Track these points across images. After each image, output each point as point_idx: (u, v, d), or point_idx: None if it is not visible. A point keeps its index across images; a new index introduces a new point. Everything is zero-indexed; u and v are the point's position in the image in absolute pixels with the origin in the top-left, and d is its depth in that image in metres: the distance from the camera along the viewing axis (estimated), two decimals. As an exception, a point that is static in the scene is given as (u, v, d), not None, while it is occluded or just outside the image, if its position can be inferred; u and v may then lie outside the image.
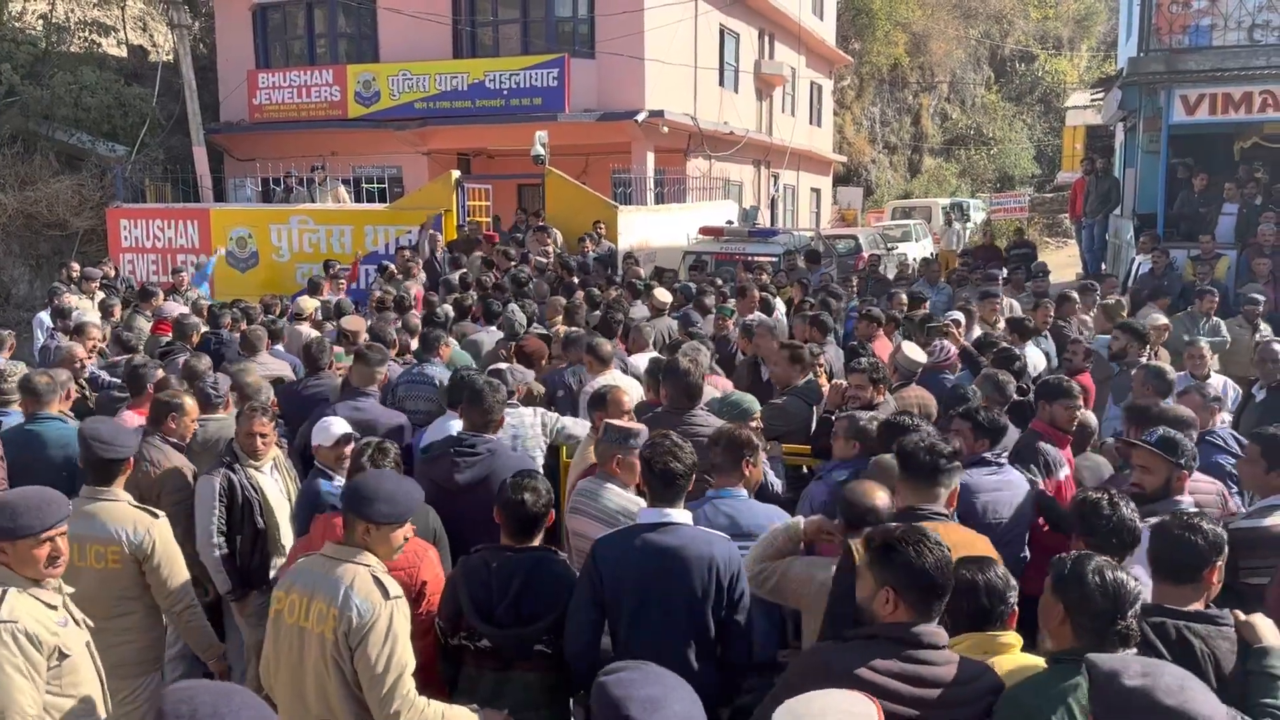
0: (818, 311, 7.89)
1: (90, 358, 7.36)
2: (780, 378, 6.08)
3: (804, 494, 4.49)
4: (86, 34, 20.84)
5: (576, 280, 10.90)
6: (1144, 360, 6.43)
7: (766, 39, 24.78)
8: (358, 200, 17.41)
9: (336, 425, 4.67)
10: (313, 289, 10.80)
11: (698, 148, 20.71)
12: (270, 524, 4.86)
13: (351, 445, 4.46)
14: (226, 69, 20.62)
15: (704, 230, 15.28)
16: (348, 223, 15.59)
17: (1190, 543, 2.87)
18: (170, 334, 8.38)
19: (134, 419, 5.66)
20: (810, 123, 28.99)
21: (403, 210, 15.47)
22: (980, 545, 3.38)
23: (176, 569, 4.11)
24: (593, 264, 12.88)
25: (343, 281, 12.69)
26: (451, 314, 8.40)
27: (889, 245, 20.31)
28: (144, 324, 8.73)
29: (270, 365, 7.23)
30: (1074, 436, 5.15)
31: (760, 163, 25.08)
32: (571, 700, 3.66)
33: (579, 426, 5.75)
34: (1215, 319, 8.63)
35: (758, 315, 8.81)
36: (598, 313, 8.39)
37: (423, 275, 12.30)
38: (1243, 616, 2.80)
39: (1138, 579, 2.69)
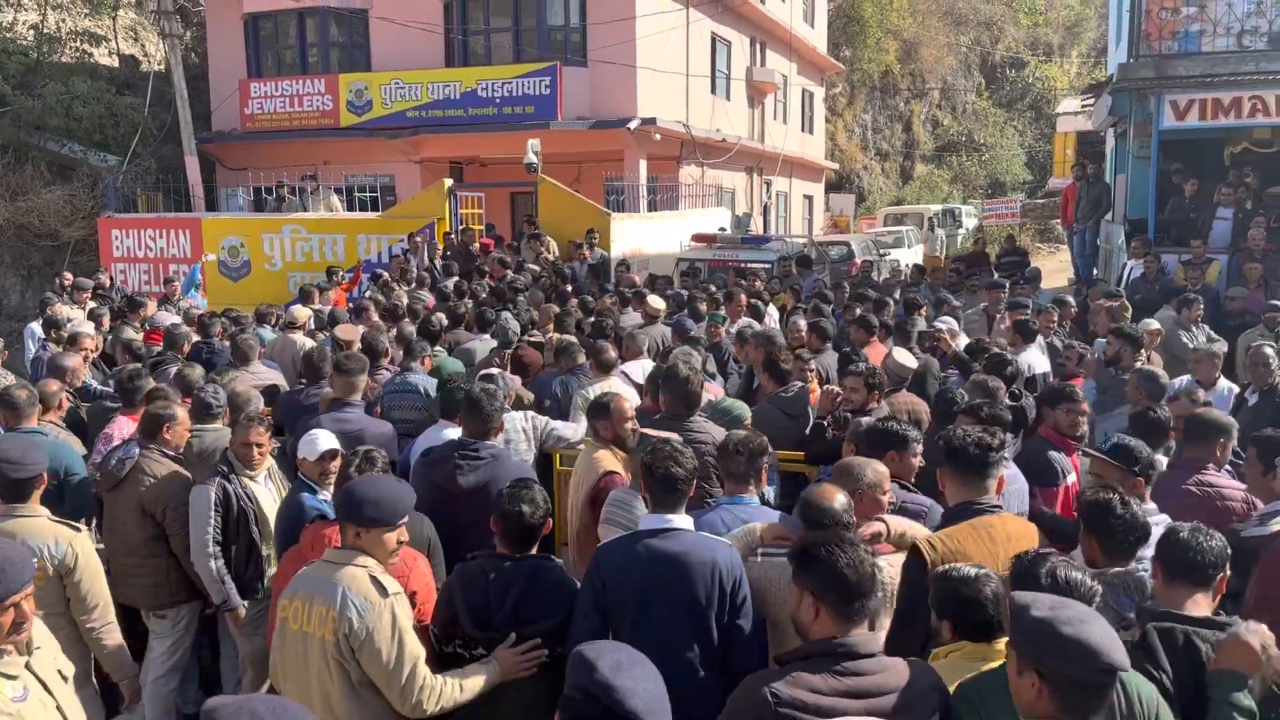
0: (818, 318, 7.90)
1: (84, 368, 7.33)
2: (765, 386, 6.10)
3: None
4: (78, 44, 20.81)
5: (570, 288, 10.91)
6: (1138, 365, 6.46)
7: (758, 47, 24.86)
8: (350, 209, 17.40)
9: (323, 440, 4.58)
10: (304, 298, 10.77)
11: (690, 155, 20.74)
12: (265, 534, 4.83)
13: (337, 460, 4.43)
14: (218, 78, 20.60)
15: (697, 237, 15.30)
16: (340, 231, 15.58)
17: (1202, 549, 2.87)
18: (161, 344, 8.35)
19: (128, 425, 5.66)
20: (802, 130, 29.07)
21: (396, 219, 15.49)
22: (1033, 534, 3.48)
23: (98, 585, 4.07)
24: (585, 272, 12.89)
25: (343, 285, 12.73)
26: (445, 322, 8.41)
27: (881, 251, 20.36)
28: (133, 334, 8.69)
29: (263, 374, 7.20)
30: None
31: (753, 170, 25.14)
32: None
33: (569, 429, 5.74)
34: (1205, 326, 8.64)
35: (746, 321, 8.83)
36: (591, 320, 8.40)
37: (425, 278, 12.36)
38: (1242, 626, 2.73)
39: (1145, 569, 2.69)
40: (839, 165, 33.28)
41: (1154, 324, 8.04)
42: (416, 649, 3.21)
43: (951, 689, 2.62)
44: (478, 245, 14.15)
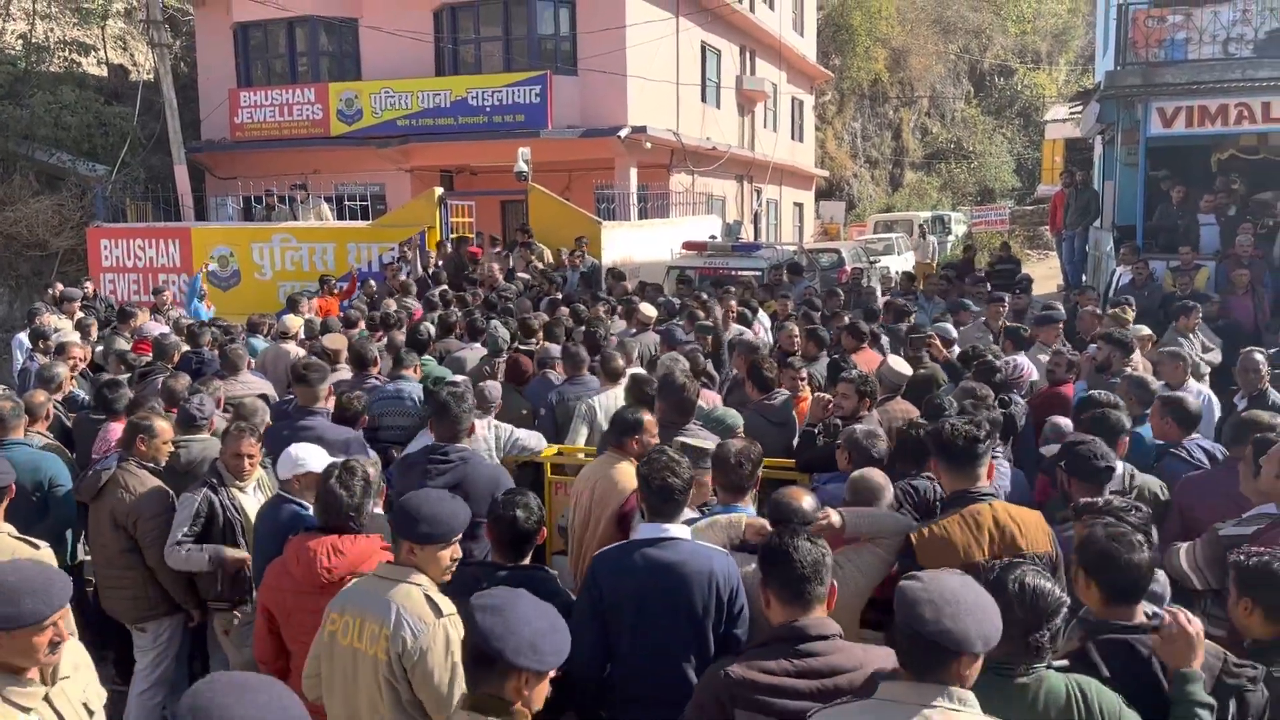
0: (815, 325, 7.90)
1: (72, 378, 7.28)
2: (750, 395, 6.12)
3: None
4: (66, 53, 20.76)
5: (560, 296, 10.89)
6: (1128, 371, 6.47)
7: (748, 55, 24.93)
8: (340, 218, 17.37)
9: (307, 459, 4.40)
10: (291, 306, 10.72)
11: (680, 163, 20.78)
12: (252, 544, 4.78)
13: (309, 475, 4.28)
14: (208, 87, 20.56)
15: (687, 245, 15.31)
16: (330, 240, 15.55)
17: (1130, 563, 2.82)
18: (150, 354, 8.30)
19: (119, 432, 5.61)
20: (792, 138, 29.16)
21: (386, 228, 15.46)
22: (1032, 519, 3.57)
23: None
24: (577, 280, 12.88)
25: (337, 294, 12.69)
26: (434, 331, 8.37)
27: (871, 259, 20.42)
28: (123, 344, 8.65)
29: (252, 384, 7.17)
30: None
31: (743, 178, 25.19)
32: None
33: (533, 439, 5.72)
34: (1201, 335, 8.65)
35: (737, 329, 8.83)
36: (582, 328, 8.37)
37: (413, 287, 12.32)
38: (1169, 620, 2.70)
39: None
40: (829, 173, 33.37)
41: (1144, 329, 8.05)
42: None
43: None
44: (467, 253, 14.15)
